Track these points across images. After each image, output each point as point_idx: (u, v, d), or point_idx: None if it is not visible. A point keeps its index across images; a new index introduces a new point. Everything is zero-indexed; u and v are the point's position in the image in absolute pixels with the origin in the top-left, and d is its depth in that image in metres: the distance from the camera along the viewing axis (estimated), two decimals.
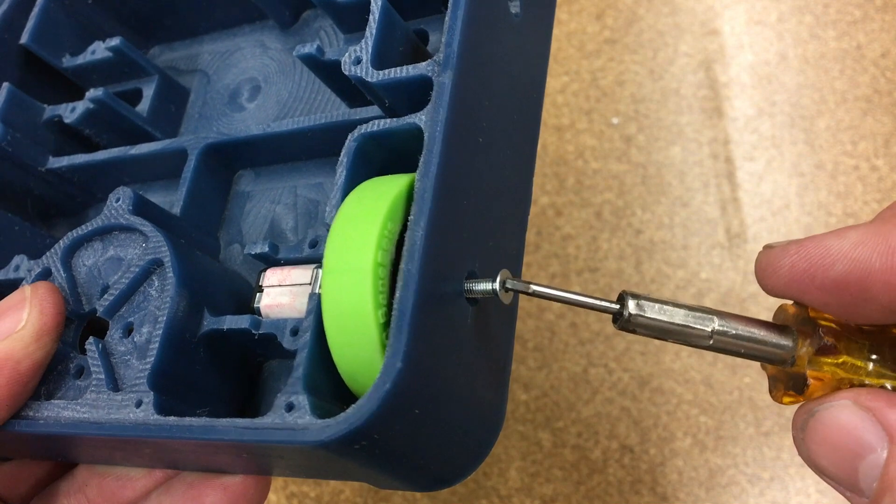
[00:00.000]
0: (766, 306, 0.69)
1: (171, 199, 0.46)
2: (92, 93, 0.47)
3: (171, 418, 0.36)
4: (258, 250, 0.39)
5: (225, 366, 0.41)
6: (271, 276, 0.38)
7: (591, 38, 0.74)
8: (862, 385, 0.33)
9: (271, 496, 0.67)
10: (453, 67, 0.35)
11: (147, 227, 0.39)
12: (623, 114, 0.73)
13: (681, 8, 0.74)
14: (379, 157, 0.38)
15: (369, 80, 0.37)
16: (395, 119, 0.36)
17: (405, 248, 0.33)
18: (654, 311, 0.34)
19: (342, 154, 0.37)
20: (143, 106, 0.49)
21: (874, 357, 0.33)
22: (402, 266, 0.33)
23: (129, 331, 0.39)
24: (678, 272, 0.70)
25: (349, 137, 0.37)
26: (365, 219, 0.34)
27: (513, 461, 0.68)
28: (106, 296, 0.39)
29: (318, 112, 0.47)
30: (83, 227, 0.41)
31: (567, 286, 0.70)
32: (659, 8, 0.74)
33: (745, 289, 0.70)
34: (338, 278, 0.34)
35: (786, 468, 0.67)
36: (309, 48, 0.40)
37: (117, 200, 0.41)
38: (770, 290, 0.34)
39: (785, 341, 0.34)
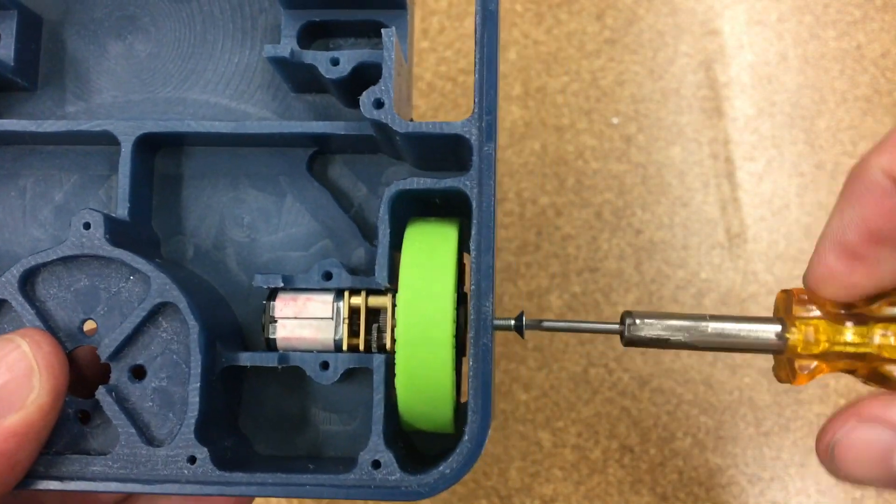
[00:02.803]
0: (765, 306, 0.69)
1: (61, 165, 0.43)
2: None
3: (239, 474, 0.37)
4: (272, 284, 0.39)
5: (233, 393, 0.41)
6: (283, 307, 0.39)
7: (591, 38, 0.74)
8: (844, 354, 0.38)
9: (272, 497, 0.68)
10: (495, 138, 0.37)
11: (139, 262, 0.38)
12: (623, 114, 0.73)
13: (681, 8, 0.74)
14: (405, 200, 0.39)
15: (397, 129, 0.37)
16: (435, 180, 0.37)
17: (474, 320, 0.36)
18: (652, 327, 0.39)
19: (381, 210, 0.38)
20: (5, 52, 0.42)
21: (851, 314, 0.38)
22: (471, 336, 0.36)
23: (135, 373, 0.38)
24: (678, 272, 0.70)
25: (386, 193, 0.38)
26: (435, 293, 0.36)
27: (513, 461, 0.68)
28: (107, 340, 0.38)
29: (238, 77, 0.43)
30: (40, 254, 0.38)
31: (567, 286, 0.70)
32: (659, 8, 0.74)
33: (745, 289, 0.70)
34: (417, 351, 0.36)
35: (786, 468, 0.67)
36: (282, 51, 0.38)
37: (87, 227, 0.38)
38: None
39: (773, 329, 0.38)
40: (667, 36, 0.74)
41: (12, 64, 0.42)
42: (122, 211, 0.40)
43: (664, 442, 0.68)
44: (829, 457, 0.36)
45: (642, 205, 0.71)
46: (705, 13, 0.74)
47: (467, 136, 0.37)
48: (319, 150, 0.42)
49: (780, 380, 0.40)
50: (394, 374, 0.37)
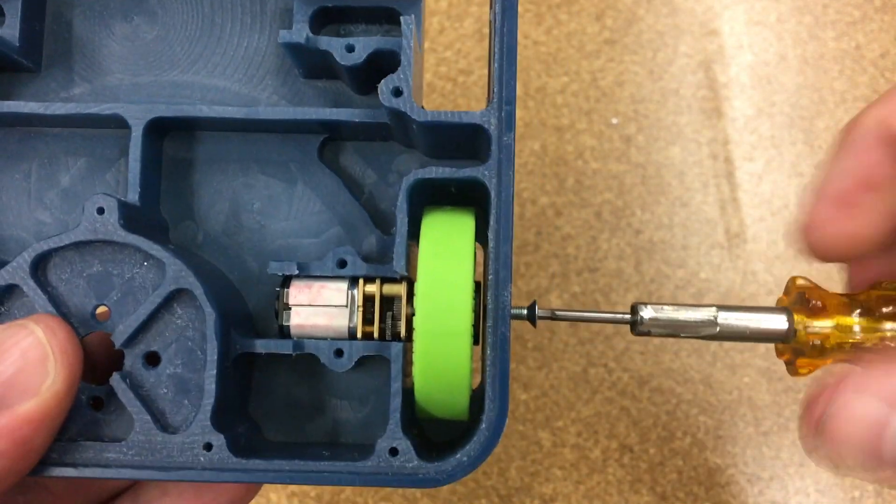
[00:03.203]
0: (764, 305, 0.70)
1: (67, 148, 0.42)
2: None
3: (256, 461, 0.37)
4: (287, 272, 0.39)
5: (244, 379, 0.41)
6: (297, 294, 0.39)
7: (590, 39, 0.74)
8: (851, 346, 0.39)
9: (272, 496, 0.67)
10: (514, 128, 0.37)
11: (155, 248, 0.38)
12: (622, 114, 0.73)
13: (680, 8, 0.75)
14: (420, 189, 0.39)
15: (415, 118, 0.37)
16: (454, 169, 0.37)
17: (493, 310, 0.37)
18: (663, 315, 0.39)
19: (399, 199, 0.38)
20: (10, 32, 0.40)
21: (859, 312, 0.38)
22: (489, 325, 0.36)
23: (150, 359, 0.38)
24: (678, 272, 0.70)
25: (404, 182, 0.37)
26: (455, 283, 0.36)
27: (512, 461, 0.68)
28: (121, 327, 0.38)
29: (247, 62, 0.42)
30: (52, 239, 0.38)
31: (567, 286, 0.70)
32: (658, 8, 0.75)
33: (745, 289, 0.70)
34: (436, 340, 0.36)
35: (785, 468, 0.67)
36: (296, 37, 0.38)
37: (100, 212, 0.38)
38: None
39: (780, 318, 0.39)
40: (666, 36, 0.74)
41: (17, 44, 0.41)
42: (132, 196, 0.39)
43: (664, 441, 0.68)
44: (815, 432, 0.35)
45: (642, 205, 0.71)
46: (705, 14, 0.75)
47: (486, 125, 0.37)
48: (330, 137, 0.42)
49: (790, 371, 0.40)
50: (410, 363, 0.37)
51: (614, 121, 0.73)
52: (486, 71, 0.73)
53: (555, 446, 0.68)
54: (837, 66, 0.74)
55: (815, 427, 0.35)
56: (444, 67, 0.73)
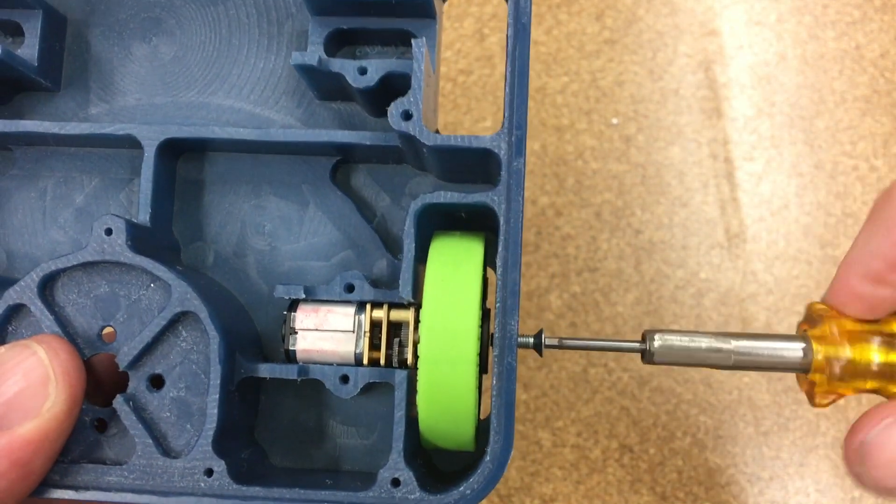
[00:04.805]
0: (764, 306, 0.70)
1: (82, 167, 0.42)
2: None
3: (256, 488, 0.36)
4: (294, 295, 0.39)
5: (251, 403, 0.41)
6: (304, 319, 0.38)
7: (590, 39, 0.74)
8: (872, 375, 0.37)
9: None
10: (524, 153, 0.36)
11: (161, 270, 0.37)
12: (622, 114, 0.73)
13: (680, 8, 0.74)
14: (430, 214, 0.38)
15: (425, 142, 0.36)
16: (462, 194, 0.37)
17: (499, 339, 0.36)
18: (676, 345, 0.38)
19: (407, 224, 0.37)
20: (29, 51, 0.41)
21: (879, 341, 0.37)
22: (495, 354, 0.36)
23: (154, 382, 0.38)
24: (677, 272, 0.70)
25: (412, 206, 0.37)
26: (460, 310, 0.36)
27: (513, 461, 0.68)
28: (126, 348, 0.38)
29: (263, 83, 0.42)
30: (60, 259, 0.38)
31: (567, 286, 0.70)
32: (658, 8, 0.74)
33: (745, 289, 0.70)
34: (441, 368, 0.35)
35: (785, 468, 0.67)
36: (309, 59, 0.38)
37: (108, 233, 0.37)
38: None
39: (798, 348, 0.38)
40: (666, 36, 0.74)
41: (36, 64, 0.41)
42: (143, 216, 0.39)
43: (663, 441, 0.68)
44: (859, 458, 0.35)
45: (642, 205, 0.71)
46: (705, 14, 0.74)
47: (496, 150, 0.36)
48: (343, 159, 0.41)
49: (804, 391, 0.39)
50: (415, 391, 0.36)
51: (614, 121, 0.73)
52: (485, 71, 0.73)
53: (555, 446, 0.68)
54: (837, 66, 0.74)
55: (856, 453, 0.35)
56: (444, 67, 0.73)
